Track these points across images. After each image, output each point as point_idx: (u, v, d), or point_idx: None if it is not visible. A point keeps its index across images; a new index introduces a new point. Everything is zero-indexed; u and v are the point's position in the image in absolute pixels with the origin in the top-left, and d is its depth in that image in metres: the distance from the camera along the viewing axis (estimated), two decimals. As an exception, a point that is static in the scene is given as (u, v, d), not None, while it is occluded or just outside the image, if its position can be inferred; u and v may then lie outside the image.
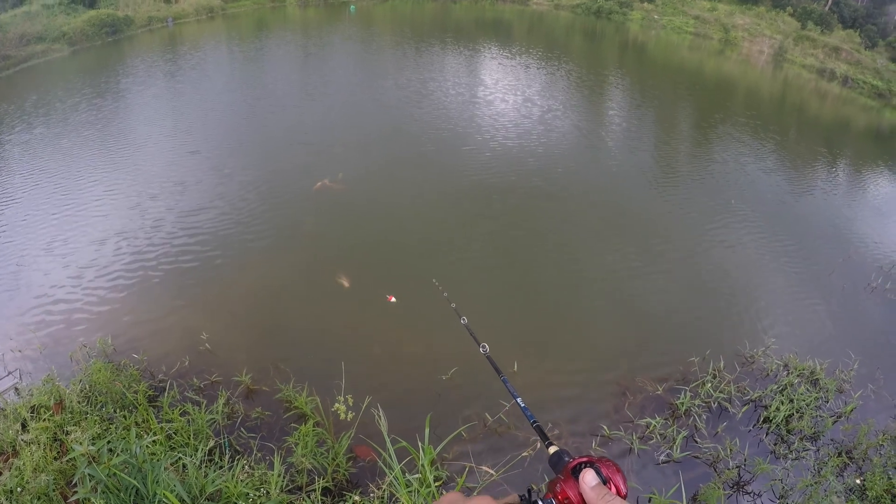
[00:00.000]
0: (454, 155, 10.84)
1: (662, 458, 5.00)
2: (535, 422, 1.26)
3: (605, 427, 5.17)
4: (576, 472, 0.80)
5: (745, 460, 5.07)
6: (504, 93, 15.37)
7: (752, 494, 4.85)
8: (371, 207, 8.80)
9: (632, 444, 5.03)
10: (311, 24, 23.00)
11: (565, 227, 8.86)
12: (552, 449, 0.97)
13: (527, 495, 0.87)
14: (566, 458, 0.89)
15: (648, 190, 10.94)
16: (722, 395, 5.70)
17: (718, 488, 4.63)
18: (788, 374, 6.21)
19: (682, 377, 6.00)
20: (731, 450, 5.08)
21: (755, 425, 5.55)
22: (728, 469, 4.91)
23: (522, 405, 1.39)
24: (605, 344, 6.57)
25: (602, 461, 0.80)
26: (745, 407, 5.65)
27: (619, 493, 0.77)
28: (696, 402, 5.56)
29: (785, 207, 11.27)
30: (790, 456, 5.22)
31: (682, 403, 5.49)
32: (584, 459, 0.81)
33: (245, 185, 9.12)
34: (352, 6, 26.86)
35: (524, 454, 4.67)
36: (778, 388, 5.93)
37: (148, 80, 14.84)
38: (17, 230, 8.19)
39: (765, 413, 5.60)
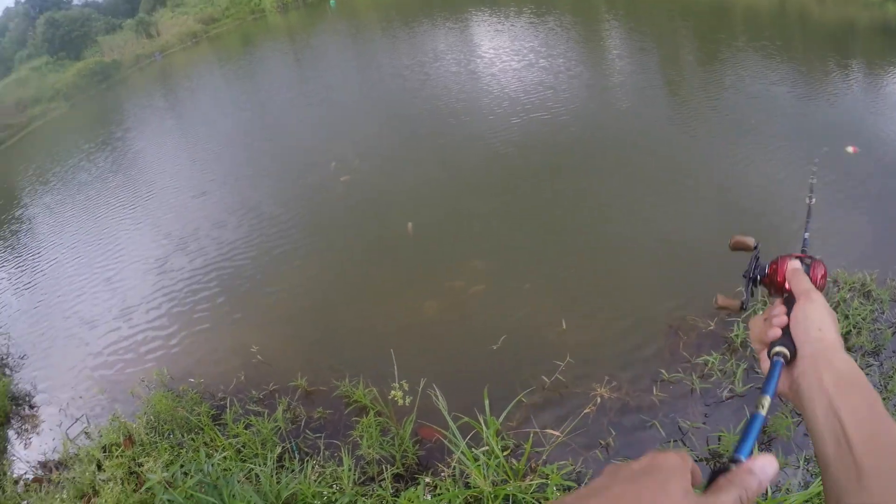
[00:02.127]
0: (469, 139, 10.69)
1: (726, 393, 4.89)
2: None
3: (663, 371, 5.09)
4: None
5: (809, 384, 4.94)
6: (505, 61, 14.92)
7: (821, 418, 4.74)
8: (393, 198, 8.93)
9: (692, 384, 4.94)
10: (295, 29, 22.81)
11: (593, 183, 8.71)
12: None
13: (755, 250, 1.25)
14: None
15: (667, 128, 10.68)
16: (775, 319, 5.55)
17: (787, 417, 4.51)
18: (839, 289, 5.99)
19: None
20: (793, 375, 4.95)
21: (815, 347, 5.40)
22: (794, 395, 4.79)
23: None
24: (648, 289, 6.43)
25: (815, 260, 1.04)
26: (802, 329, 5.48)
27: (814, 280, 0.99)
28: (751, 331, 5.42)
29: (807, 119, 10.85)
30: (855, 375, 5.07)
31: (737, 336, 5.35)
32: (803, 256, 1.07)
33: (268, 207, 9.23)
34: (331, 1, 26.13)
35: (586, 411, 4.64)
36: (831, 305, 5.76)
37: (143, 122, 14.94)
38: (54, 301, 8.84)
39: (823, 332, 5.44)
